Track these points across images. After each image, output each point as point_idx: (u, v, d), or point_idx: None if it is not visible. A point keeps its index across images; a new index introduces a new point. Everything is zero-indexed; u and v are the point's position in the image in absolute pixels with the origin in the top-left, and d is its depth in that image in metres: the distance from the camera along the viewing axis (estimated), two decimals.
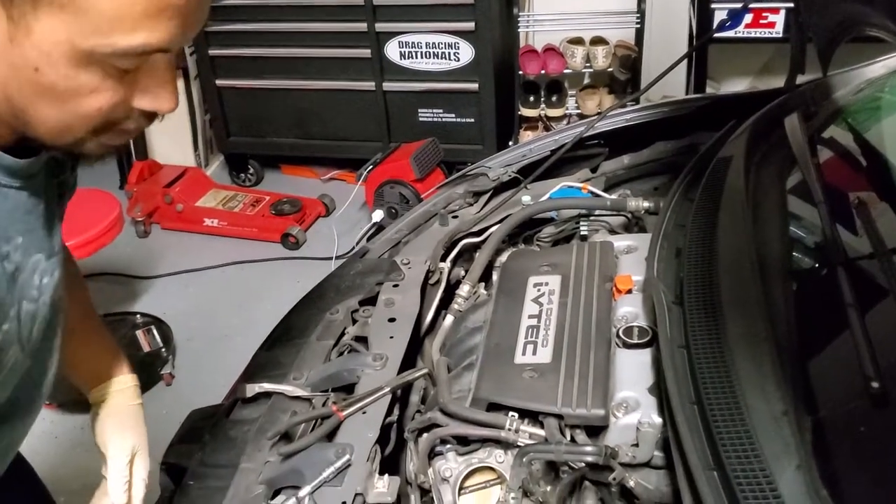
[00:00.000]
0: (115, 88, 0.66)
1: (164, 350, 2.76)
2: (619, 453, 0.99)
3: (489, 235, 1.61)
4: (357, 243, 3.26)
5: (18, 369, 0.81)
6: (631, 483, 0.95)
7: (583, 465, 1.01)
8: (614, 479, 0.95)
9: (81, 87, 0.64)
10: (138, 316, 2.95)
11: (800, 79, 1.73)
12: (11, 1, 0.59)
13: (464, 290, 1.48)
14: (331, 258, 3.25)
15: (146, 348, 2.75)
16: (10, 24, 0.60)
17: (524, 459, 0.99)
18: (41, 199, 0.75)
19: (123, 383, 1.10)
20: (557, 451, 0.99)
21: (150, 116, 0.71)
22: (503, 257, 1.58)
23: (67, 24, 0.59)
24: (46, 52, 0.61)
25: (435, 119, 3.78)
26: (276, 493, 1.07)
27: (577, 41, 3.84)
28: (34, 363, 0.85)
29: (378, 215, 3.36)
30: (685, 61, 3.50)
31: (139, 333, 2.82)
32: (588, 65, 3.80)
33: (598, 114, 1.84)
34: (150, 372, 2.66)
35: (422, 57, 3.65)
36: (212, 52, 3.80)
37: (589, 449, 0.98)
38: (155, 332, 2.81)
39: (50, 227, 0.79)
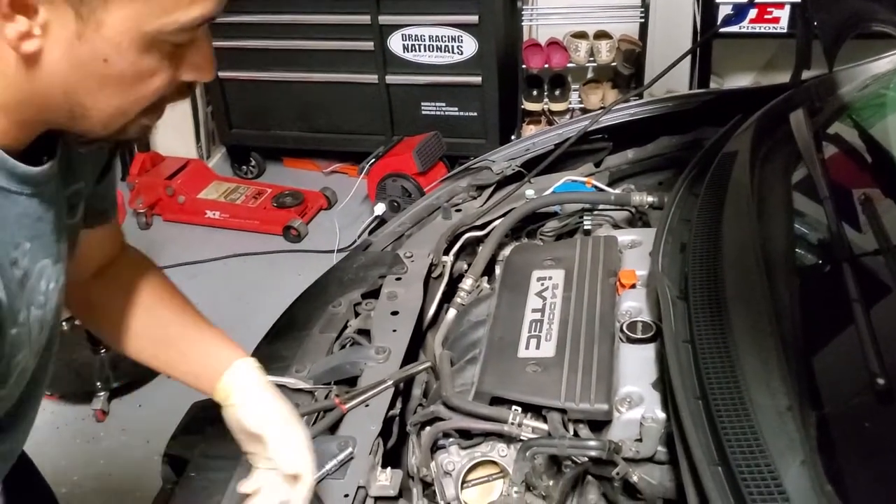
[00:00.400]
0: (168, 67, 0.69)
1: None
2: (623, 448, 0.99)
3: (492, 229, 1.61)
4: (359, 237, 3.26)
5: (27, 372, 0.81)
6: (634, 478, 0.95)
7: (586, 459, 1.01)
8: (618, 473, 0.95)
9: (144, 70, 0.67)
10: None
11: (805, 74, 1.73)
12: (81, 1, 0.61)
13: (467, 283, 1.48)
14: (332, 251, 3.25)
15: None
16: (79, 21, 0.62)
17: (527, 454, 0.99)
18: (52, 206, 0.76)
19: (246, 366, 0.96)
20: (561, 445, 0.99)
21: (189, 89, 0.75)
22: (506, 251, 1.58)
23: (137, 10, 0.63)
24: (116, 41, 0.64)
25: (438, 112, 3.77)
26: None
27: (581, 35, 3.83)
28: (38, 364, 0.85)
29: (380, 209, 3.36)
30: (689, 56, 3.49)
31: None
32: (591, 59, 3.78)
33: (602, 108, 1.83)
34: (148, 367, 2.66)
35: (425, 50, 3.64)
36: (214, 43, 3.77)
37: (592, 443, 0.98)
38: None
39: (58, 233, 0.78)
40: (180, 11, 0.65)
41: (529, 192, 1.72)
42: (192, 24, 0.66)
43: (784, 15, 3.45)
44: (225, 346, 0.98)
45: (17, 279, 0.71)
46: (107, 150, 0.88)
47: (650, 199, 1.55)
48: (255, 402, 0.93)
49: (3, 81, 0.65)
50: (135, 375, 2.61)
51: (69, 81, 0.66)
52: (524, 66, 3.81)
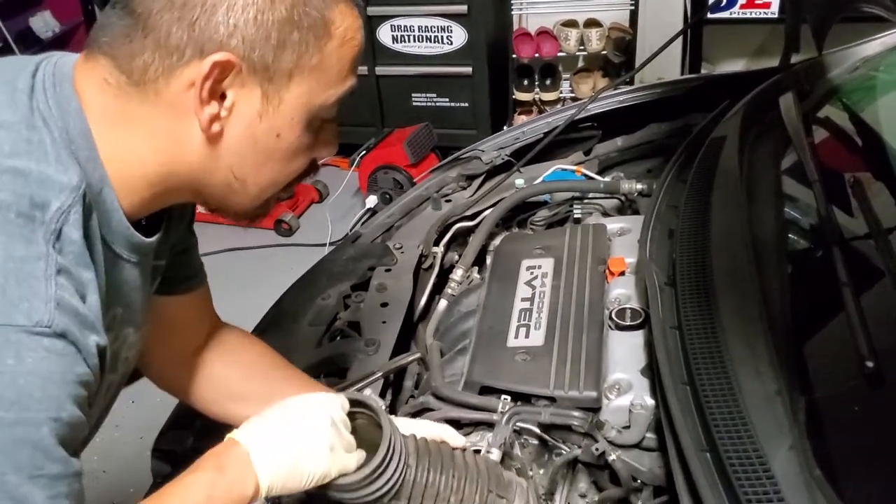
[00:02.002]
0: (314, 143, 0.75)
1: None
2: (606, 426, 0.98)
3: (483, 219, 1.60)
4: (351, 230, 3.24)
5: (93, 430, 0.83)
6: (612, 456, 0.94)
7: (576, 448, 1.00)
8: (596, 450, 0.95)
9: (304, 144, 0.73)
10: None
11: (794, 58, 1.72)
12: (271, 80, 0.67)
13: (457, 274, 1.47)
14: (324, 244, 3.23)
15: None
16: (264, 101, 0.68)
17: (510, 420, 1.00)
18: (146, 276, 0.79)
19: None
20: (545, 412, 1.00)
21: (317, 167, 0.79)
22: (497, 241, 1.57)
23: (311, 86, 0.69)
24: (290, 117, 0.70)
25: (429, 104, 3.76)
26: None
27: (571, 24, 3.81)
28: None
29: (372, 201, 3.34)
30: (680, 43, 3.47)
31: None
32: (582, 48, 3.77)
33: (592, 96, 1.82)
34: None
35: (414, 41, 3.62)
36: None
37: (575, 414, 0.99)
38: None
39: (145, 302, 0.81)
40: (339, 86, 0.71)
41: (519, 182, 1.71)
42: (343, 98, 0.72)
43: (775, 0, 3.44)
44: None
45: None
46: (188, 218, 0.92)
47: (639, 186, 1.54)
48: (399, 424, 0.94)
49: (175, 162, 0.70)
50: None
51: (240, 157, 0.71)
52: (514, 56, 3.80)
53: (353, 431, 0.87)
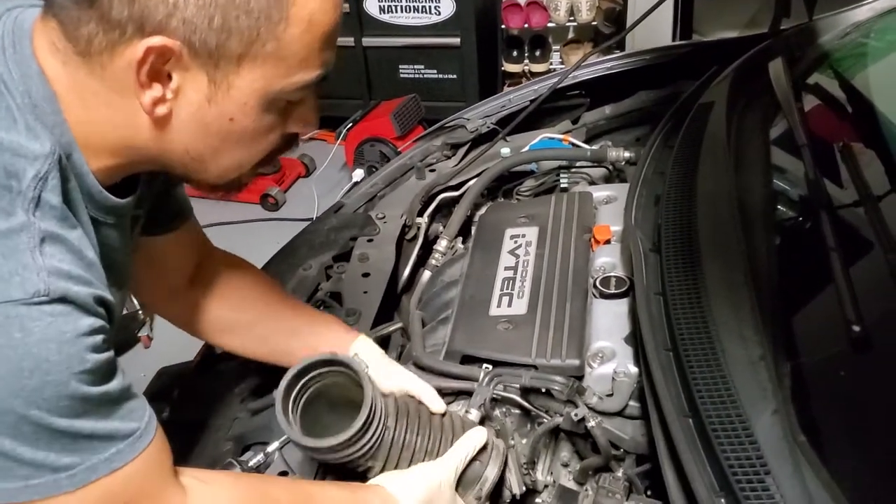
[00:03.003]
0: (283, 122, 0.72)
1: (140, 312, 2.71)
2: (587, 392, 0.97)
3: (467, 189, 1.57)
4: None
5: None
6: (592, 423, 0.93)
7: (557, 416, 0.99)
8: (576, 415, 0.93)
9: (264, 127, 0.71)
10: None
11: (785, 23, 1.69)
12: (216, 66, 0.64)
13: (441, 245, 1.44)
14: (311, 219, 3.19)
15: (123, 311, 2.70)
16: (211, 86, 0.65)
17: (491, 383, 0.99)
18: (126, 235, 0.78)
19: (365, 346, 1.04)
20: (525, 375, 0.98)
21: (295, 141, 0.77)
22: (482, 211, 1.54)
23: (266, 72, 0.66)
24: (243, 102, 0.67)
25: (416, 75, 3.71)
26: (244, 449, 1.05)
27: None
28: None
29: (358, 174, 3.30)
30: (671, 10, 3.42)
31: None
32: (572, 18, 3.72)
33: (578, 62, 1.78)
34: (127, 334, 2.63)
35: (401, 11, 3.56)
36: None
37: (556, 378, 0.97)
38: (132, 294, 2.76)
39: (127, 261, 0.81)
40: (304, 72, 0.67)
41: (505, 151, 1.68)
42: (312, 83, 0.69)
43: None
44: (341, 331, 1.05)
45: None
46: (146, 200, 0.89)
47: (627, 154, 1.52)
48: (389, 374, 0.99)
49: (130, 138, 0.68)
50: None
51: (193, 140, 0.69)
52: (503, 27, 3.74)
53: (334, 388, 0.88)
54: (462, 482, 0.91)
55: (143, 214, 0.86)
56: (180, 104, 0.66)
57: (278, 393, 0.86)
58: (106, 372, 0.63)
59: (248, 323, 1.05)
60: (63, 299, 0.59)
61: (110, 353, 0.64)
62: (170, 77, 0.64)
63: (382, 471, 0.89)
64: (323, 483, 0.93)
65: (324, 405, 0.89)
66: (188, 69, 0.64)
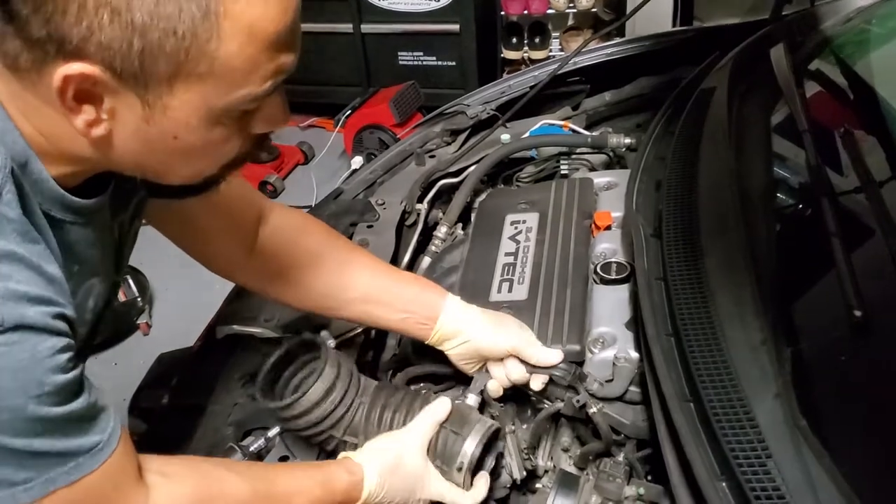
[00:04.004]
0: (241, 128, 0.69)
1: (139, 299, 2.72)
2: (589, 379, 0.97)
3: (467, 175, 1.57)
4: None
5: None
6: (593, 409, 0.93)
7: (559, 401, 0.99)
8: (577, 402, 0.93)
9: (216, 139, 0.67)
10: None
11: (786, 9, 1.67)
12: (146, 89, 0.60)
13: (441, 231, 1.44)
14: (310, 206, 3.18)
15: (122, 298, 2.69)
16: (146, 108, 0.62)
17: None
18: (104, 230, 0.76)
19: (454, 305, 1.03)
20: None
21: (267, 139, 0.74)
22: (482, 197, 1.54)
23: (204, 91, 0.62)
24: (184, 121, 0.64)
25: (415, 62, 3.69)
26: (245, 434, 1.05)
27: None
28: None
29: (357, 162, 3.29)
30: None
31: None
32: (572, 5, 3.69)
33: (578, 48, 1.77)
34: (126, 321, 2.63)
35: None
36: None
37: (560, 365, 0.98)
38: (131, 281, 2.76)
39: (110, 253, 0.79)
40: (252, 85, 0.63)
41: (505, 137, 1.67)
42: (266, 93, 0.65)
43: None
44: (428, 289, 1.05)
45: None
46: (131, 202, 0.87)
47: (627, 140, 1.51)
48: (486, 332, 1.00)
49: (78, 150, 0.65)
50: (110, 333, 2.58)
51: (141, 157, 0.67)
52: (503, 13, 3.72)
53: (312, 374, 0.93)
54: (443, 457, 0.92)
55: (143, 196, 0.84)
56: (118, 124, 0.63)
57: (260, 375, 0.92)
58: (69, 392, 0.62)
59: (357, 299, 1.03)
60: (18, 327, 0.58)
61: (76, 372, 0.63)
62: (103, 99, 0.61)
63: (355, 447, 0.92)
64: (290, 465, 0.94)
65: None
66: (117, 92, 0.60)
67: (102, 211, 0.75)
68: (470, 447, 0.91)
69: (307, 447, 0.99)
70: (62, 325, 0.62)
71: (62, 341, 0.61)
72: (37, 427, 0.60)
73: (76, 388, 0.63)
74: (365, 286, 1.03)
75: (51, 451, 0.62)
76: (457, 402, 0.97)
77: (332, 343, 0.92)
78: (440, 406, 0.93)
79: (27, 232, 0.61)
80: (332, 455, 0.95)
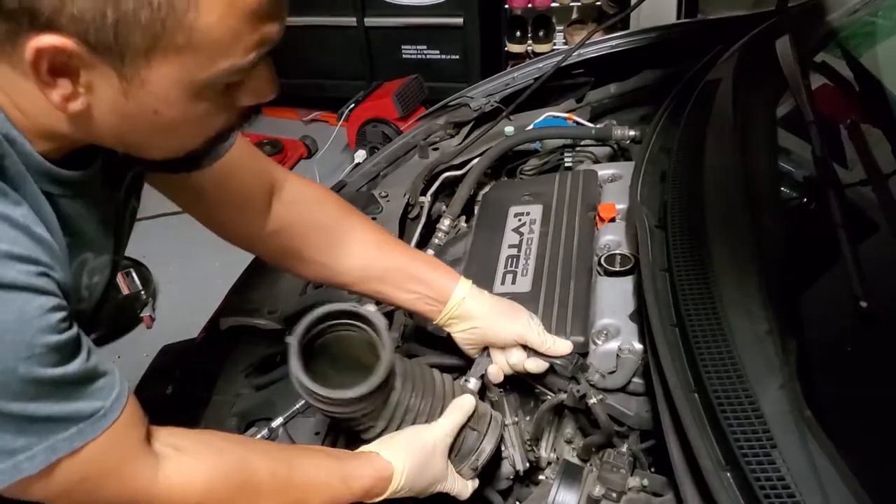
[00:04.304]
0: (226, 102, 0.67)
1: (143, 293, 2.72)
2: (590, 370, 0.97)
3: (470, 168, 1.56)
4: None
5: None
6: (593, 400, 0.93)
7: (561, 393, 0.98)
8: (578, 391, 0.93)
9: (199, 114, 0.65)
10: None
11: (792, 0, 1.66)
12: (122, 61, 0.59)
13: (445, 223, 1.44)
14: None
15: (125, 291, 2.70)
16: (123, 81, 0.60)
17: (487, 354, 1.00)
18: (97, 203, 0.75)
19: (465, 291, 1.00)
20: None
21: (254, 111, 0.72)
22: (486, 190, 1.54)
23: (184, 64, 0.60)
24: (164, 95, 0.62)
25: (419, 56, 3.68)
26: (249, 425, 1.05)
27: None
28: None
29: (360, 155, 3.28)
30: None
31: (118, 276, 2.76)
32: None
33: (582, 40, 1.76)
34: (129, 314, 2.63)
35: None
36: None
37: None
38: (134, 274, 2.76)
39: (105, 227, 0.77)
40: (234, 57, 0.61)
41: (509, 129, 1.67)
42: (250, 65, 0.63)
43: None
44: (441, 271, 1.03)
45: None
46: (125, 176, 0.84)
47: (631, 132, 1.50)
48: (496, 320, 0.99)
49: (57, 125, 0.64)
50: (113, 326, 2.58)
51: (121, 131, 0.65)
52: (507, 7, 3.70)
53: (342, 342, 0.87)
54: (459, 452, 0.91)
55: (139, 172, 0.83)
56: (96, 98, 0.61)
57: (294, 338, 0.83)
58: (64, 353, 0.61)
59: (371, 277, 1.01)
60: (3, 286, 0.57)
61: (70, 333, 0.62)
62: (78, 72, 0.59)
63: (383, 431, 0.89)
64: (311, 449, 0.91)
65: (327, 358, 0.87)
66: (93, 66, 0.59)
67: (93, 184, 0.73)
68: (488, 445, 0.91)
69: (311, 437, 0.99)
70: (49, 285, 0.61)
71: (52, 300, 0.60)
72: (30, 390, 0.59)
73: (71, 349, 0.62)
74: (379, 263, 1.01)
75: (49, 415, 0.60)
76: (459, 385, 0.97)
77: (384, 322, 0.87)
78: (466, 402, 0.92)
79: (6, 194, 0.60)
80: (344, 434, 0.93)
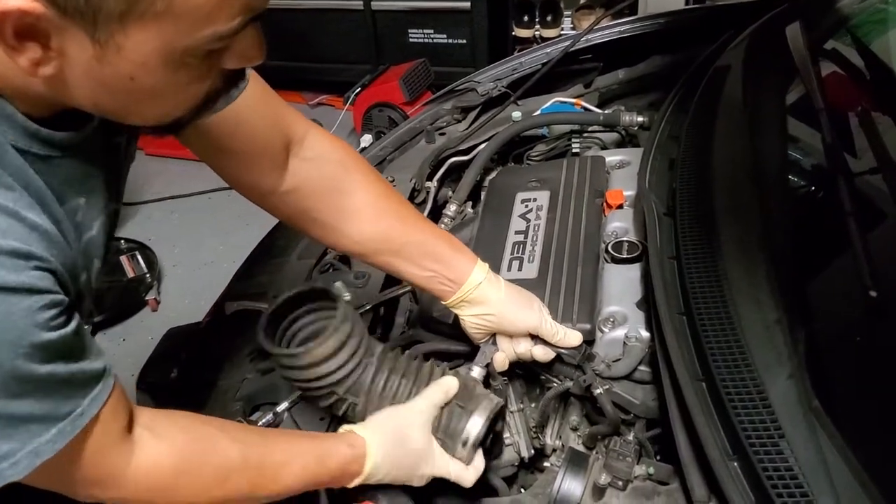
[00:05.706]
0: (210, 67, 0.64)
1: (148, 276, 2.72)
2: (596, 359, 0.96)
3: (477, 154, 1.55)
4: None
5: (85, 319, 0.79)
6: (599, 389, 0.92)
7: (567, 380, 0.98)
8: (584, 381, 0.93)
9: (180, 81, 0.63)
10: (122, 242, 2.88)
11: None
12: (95, 26, 0.55)
13: (451, 209, 1.43)
14: None
15: (130, 274, 2.70)
16: (97, 46, 0.57)
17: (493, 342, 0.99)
18: (99, 162, 0.73)
19: (482, 275, 0.97)
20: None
21: (241, 76, 0.69)
22: (493, 175, 1.53)
23: (162, 30, 0.57)
24: (141, 62, 0.59)
25: (425, 40, 3.65)
26: (254, 409, 1.05)
27: None
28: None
29: (367, 140, 3.27)
30: None
31: (123, 259, 2.77)
32: None
33: (591, 25, 1.75)
34: (134, 297, 2.63)
35: None
36: None
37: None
38: (139, 257, 2.77)
39: (109, 186, 0.76)
40: (218, 23, 0.58)
41: (516, 115, 1.66)
42: (234, 31, 0.60)
43: None
44: (460, 252, 0.99)
45: (77, 233, 0.70)
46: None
47: (640, 119, 1.49)
48: (510, 310, 0.97)
49: (34, 90, 0.62)
50: (118, 309, 2.59)
51: (98, 97, 0.62)
52: None
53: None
54: (447, 431, 0.90)
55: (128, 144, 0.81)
56: (69, 63, 0.58)
57: (262, 319, 0.88)
58: (53, 351, 0.60)
59: (392, 249, 0.98)
60: None
61: (63, 331, 0.61)
62: (49, 36, 0.56)
63: (365, 413, 0.89)
64: (290, 434, 0.90)
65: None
66: (64, 29, 0.56)
67: (88, 140, 0.71)
68: (476, 423, 0.89)
69: (316, 422, 0.99)
70: (43, 280, 0.59)
71: (43, 298, 0.59)
72: (13, 387, 0.58)
73: (63, 347, 0.61)
74: (398, 237, 0.97)
75: (31, 414, 0.60)
76: (462, 373, 0.96)
77: (347, 297, 0.87)
78: (449, 382, 0.91)
79: None
80: (342, 421, 0.93)
